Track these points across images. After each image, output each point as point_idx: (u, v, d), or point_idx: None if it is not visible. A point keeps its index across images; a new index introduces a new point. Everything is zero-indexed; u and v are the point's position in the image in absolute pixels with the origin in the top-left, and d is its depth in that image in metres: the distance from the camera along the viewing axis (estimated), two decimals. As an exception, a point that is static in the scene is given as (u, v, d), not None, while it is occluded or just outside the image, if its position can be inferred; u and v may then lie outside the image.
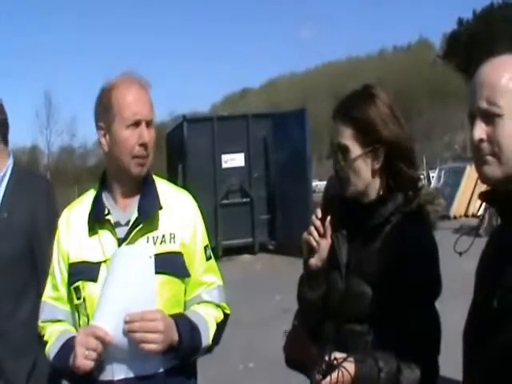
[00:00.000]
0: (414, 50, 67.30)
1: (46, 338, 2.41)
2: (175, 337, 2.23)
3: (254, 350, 7.51)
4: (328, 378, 2.00)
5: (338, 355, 2.02)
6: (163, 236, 2.37)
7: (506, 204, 1.67)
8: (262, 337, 7.98)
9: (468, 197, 19.98)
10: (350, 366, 2.03)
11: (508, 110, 1.63)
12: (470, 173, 19.36)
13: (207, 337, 2.37)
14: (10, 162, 3.25)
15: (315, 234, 2.24)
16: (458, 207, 20.14)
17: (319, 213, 2.25)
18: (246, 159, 15.64)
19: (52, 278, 2.48)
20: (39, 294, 2.71)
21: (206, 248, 2.50)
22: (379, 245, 2.18)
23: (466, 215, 19.96)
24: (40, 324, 2.47)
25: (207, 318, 2.41)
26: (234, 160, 15.60)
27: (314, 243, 2.24)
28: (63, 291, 2.44)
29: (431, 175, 24.19)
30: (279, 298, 9.50)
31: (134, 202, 2.41)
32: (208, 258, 2.50)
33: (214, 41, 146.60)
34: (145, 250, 2.30)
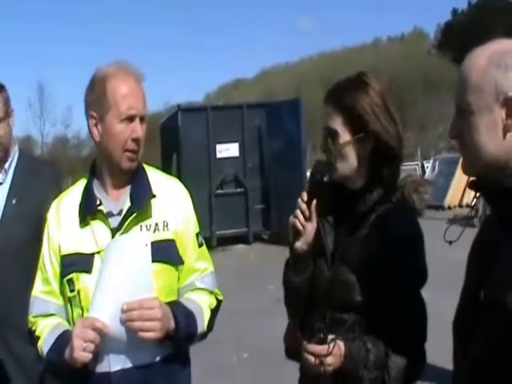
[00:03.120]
0: (409, 40, 67.22)
1: (37, 334, 2.38)
2: (172, 324, 2.23)
3: (247, 341, 7.52)
4: (325, 346, 2.04)
5: (330, 335, 2.07)
6: (156, 224, 2.36)
7: (491, 192, 1.67)
8: (255, 327, 7.99)
9: (462, 187, 19.98)
10: (340, 345, 2.08)
11: (477, 107, 1.62)
12: (464, 163, 19.34)
13: (202, 323, 2.39)
14: (15, 149, 3.29)
15: (301, 217, 2.25)
16: (452, 197, 20.18)
17: (305, 196, 2.25)
18: (241, 149, 15.63)
19: (42, 272, 2.46)
20: None
21: (197, 235, 2.51)
22: (365, 233, 2.20)
23: (460, 205, 20.00)
24: (31, 319, 2.44)
25: (202, 305, 2.42)
26: (228, 150, 15.58)
27: (300, 226, 2.25)
28: (55, 285, 2.42)
29: (426, 165, 24.26)
30: (273, 287, 9.49)
31: (126, 191, 2.40)
32: (200, 245, 2.51)
33: (208, 30, 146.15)
34: (140, 238, 2.27)
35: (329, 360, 2.05)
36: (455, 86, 1.70)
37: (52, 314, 2.42)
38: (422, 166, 25.30)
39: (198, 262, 2.49)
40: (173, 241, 2.38)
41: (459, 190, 20.16)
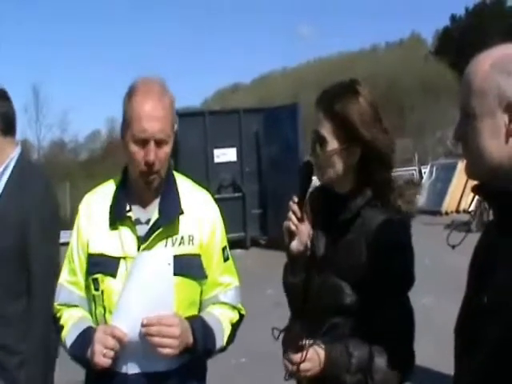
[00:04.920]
0: (407, 46, 67.24)
1: (62, 323, 2.47)
2: (190, 340, 2.30)
3: (245, 345, 7.45)
4: (299, 354, 2.09)
5: (308, 341, 2.12)
6: (182, 238, 2.41)
7: (497, 198, 1.68)
8: (254, 331, 7.95)
9: (460, 193, 20.02)
10: (319, 350, 2.12)
11: (480, 111, 1.62)
12: (462, 169, 19.27)
13: (221, 339, 2.45)
14: (14, 154, 3.10)
15: (293, 218, 2.28)
16: (449, 203, 20.19)
17: (296, 198, 2.29)
18: (238, 154, 15.64)
19: (69, 263, 2.52)
20: (30, 296, 2.81)
21: (224, 249, 2.55)
22: (350, 238, 2.22)
23: (457, 211, 20.01)
24: (56, 306, 2.53)
25: (222, 321, 2.48)
26: (225, 155, 15.59)
27: (293, 227, 2.28)
28: (80, 277, 2.49)
29: (423, 171, 24.27)
30: (271, 292, 9.51)
31: (155, 201, 2.44)
32: (225, 259, 2.55)
33: (205, 35, 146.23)
34: (164, 256, 2.33)
35: (305, 366, 2.10)
36: (459, 89, 1.71)
37: (75, 305, 2.50)
38: (420, 172, 25.29)
39: (223, 277, 2.54)
40: (197, 255, 2.44)
41: (456, 196, 20.18)
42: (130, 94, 2.36)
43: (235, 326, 2.55)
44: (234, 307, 2.58)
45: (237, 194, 15.73)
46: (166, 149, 2.37)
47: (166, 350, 2.22)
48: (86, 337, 2.33)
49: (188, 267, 2.40)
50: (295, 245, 2.30)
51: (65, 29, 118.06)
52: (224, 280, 2.55)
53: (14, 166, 3.06)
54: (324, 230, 2.33)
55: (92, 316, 2.46)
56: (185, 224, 2.43)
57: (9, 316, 2.92)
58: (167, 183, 2.47)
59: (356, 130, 2.18)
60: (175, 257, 2.33)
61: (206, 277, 2.48)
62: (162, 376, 2.34)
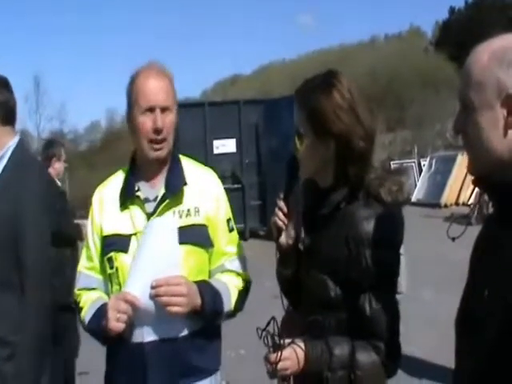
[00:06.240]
0: (406, 39, 66.99)
1: (81, 305, 2.65)
2: (198, 301, 2.44)
3: (245, 337, 7.48)
4: (274, 354, 2.12)
5: (287, 340, 2.15)
6: (188, 210, 2.58)
7: (496, 191, 1.67)
8: (252, 323, 7.97)
9: (459, 185, 20.04)
10: (297, 349, 2.14)
11: (479, 103, 1.61)
12: (461, 161, 19.39)
13: (229, 302, 2.59)
14: (11, 144, 3.02)
15: (280, 214, 2.34)
16: (448, 195, 20.21)
17: (281, 194, 2.35)
18: (238, 145, 15.69)
19: (87, 250, 2.72)
20: (22, 290, 2.75)
21: (228, 221, 2.71)
22: (333, 233, 2.22)
23: (456, 203, 20.04)
24: (76, 292, 2.71)
25: (229, 286, 2.62)
26: (225, 146, 15.64)
27: (280, 223, 2.33)
28: (96, 262, 2.67)
29: (422, 163, 24.27)
30: (269, 284, 9.45)
31: (162, 179, 2.62)
32: (230, 230, 2.71)
33: (205, 25, 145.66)
34: (169, 223, 2.50)
35: (284, 365, 2.13)
36: (459, 81, 1.69)
37: (94, 288, 2.69)
38: (419, 164, 25.28)
39: (228, 246, 2.70)
40: (204, 225, 2.60)
41: (456, 188, 20.20)
42: (133, 78, 2.56)
43: (242, 293, 2.69)
44: (239, 274, 2.71)
45: (236, 186, 15.77)
46: (171, 117, 2.57)
47: (175, 309, 2.36)
48: (101, 312, 2.47)
49: (195, 236, 2.56)
50: (283, 239, 2.35)
51: (66, 20, 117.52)
52: (229, 250, 2.70)
53: (10, 156, 2.99)
54: (309, 224, 2.35)
55: (109, 295, 2.59)
56: (190, 196, 2.60)
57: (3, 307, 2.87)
58: (172, 160, 2.67)
59: (327, 125, 2.17)
60: (183, 227, 2.52)
61: (212, 245, 2.63)
62: (177, 342, 2.49)
